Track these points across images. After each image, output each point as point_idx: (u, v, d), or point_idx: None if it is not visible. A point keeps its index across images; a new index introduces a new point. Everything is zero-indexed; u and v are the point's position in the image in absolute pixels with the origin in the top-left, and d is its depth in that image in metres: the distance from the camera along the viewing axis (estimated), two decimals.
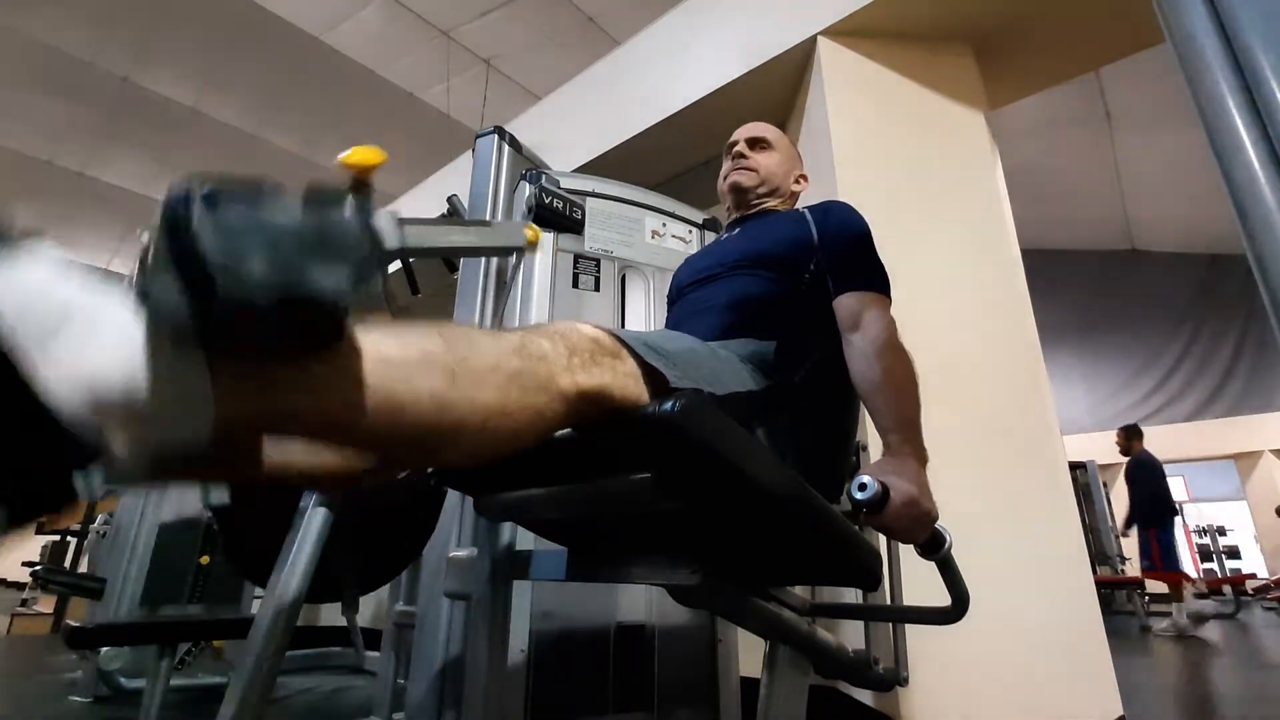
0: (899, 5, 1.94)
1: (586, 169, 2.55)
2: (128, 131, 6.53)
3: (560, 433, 0.64)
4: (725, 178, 1.27)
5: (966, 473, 1.58)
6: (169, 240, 0.38)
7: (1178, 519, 5.16)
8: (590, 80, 2.83)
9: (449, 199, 2.08)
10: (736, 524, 0.76)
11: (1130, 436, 5.15)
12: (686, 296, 1.18)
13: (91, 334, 0.36)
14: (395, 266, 2.55)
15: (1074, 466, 6.36)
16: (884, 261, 1.04)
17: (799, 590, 1.03)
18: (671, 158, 2.55)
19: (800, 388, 0.94)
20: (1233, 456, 8.33)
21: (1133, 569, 5.88)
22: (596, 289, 1.70)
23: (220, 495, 1.66)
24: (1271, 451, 7.93)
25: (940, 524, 0.80)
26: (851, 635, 1.10)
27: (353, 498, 1.30)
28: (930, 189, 1.94)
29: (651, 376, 0.68)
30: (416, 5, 5.23)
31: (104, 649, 2.15)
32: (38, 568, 3.38)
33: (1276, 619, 5.83)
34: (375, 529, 1.66)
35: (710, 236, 1.91)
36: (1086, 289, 8.11)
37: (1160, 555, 4.83)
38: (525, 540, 1.13)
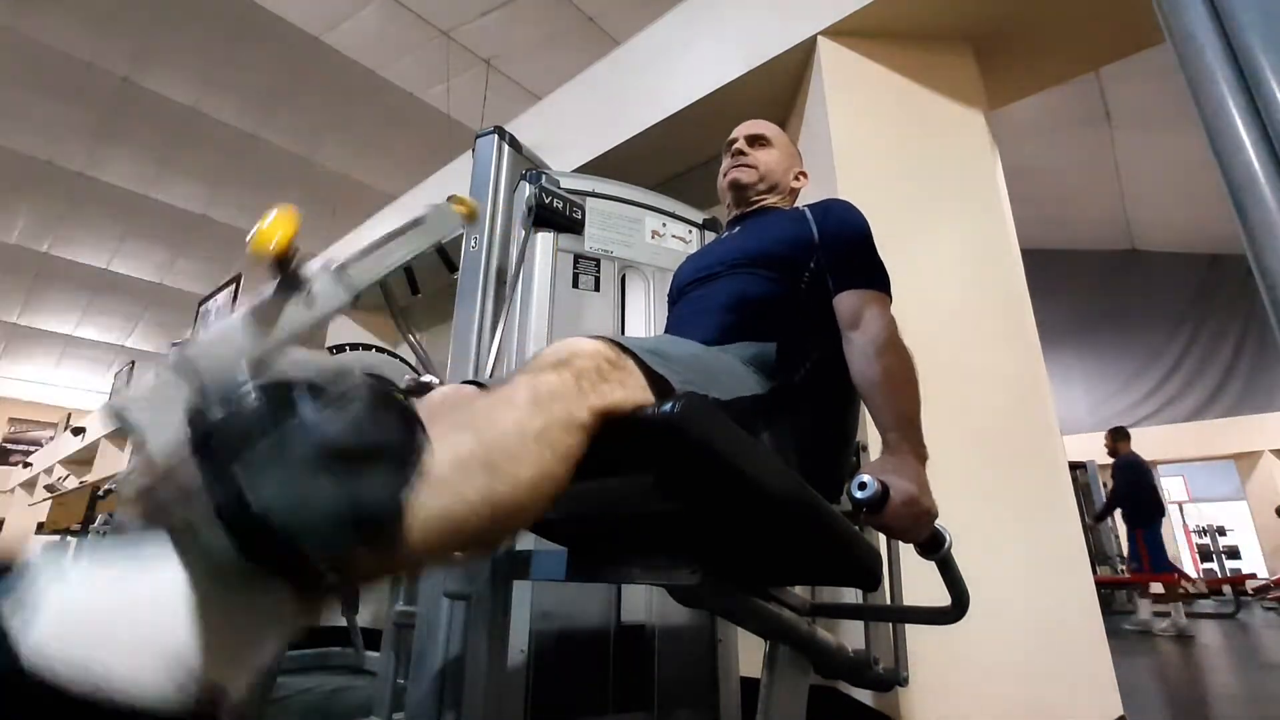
0: (899, 5, 1.94)
1: (586, 169, 2.55)
2: (128, 131, 6.54)
3: None
4: (725, 175, 1.28)
5: (966, 473, 1.58)
6: (214, 500, 0.36)
7: (1170, 519, 5.19)
8: (590, 80, 2.83)
9: (449, 199, 2.08)
10: (737, 524, 0.76)
11: (1117, 438, 5.27)
12: (687, 295, 1.18)
13: (151, 624, 0.35)
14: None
15: (1074, 466, 6.36)
16: (884, 261, 1.04)
17: (799, 590, 1.03)
18: (671, 158, 2.55)
19: (800, 387, 0.94)
20: (1233, 456, 8.33)
21: (1131, 568, 5.87)
22: (596, 289, 1.70)
23: None
24: (1271, 451, 7.93)
25: (940, 523, 0.80)
26: (851, 635, 1.10)
27: None
28: (930, 189, 1.94)
29: (657, 383, 0.68)
30: (416, 5, 5.23)
31: None
32: None
33: (1276, 619, 5.83)
34: None
35: (710, 236, 1.91)
36: (1086, 289, 8.10)
37: (1150, 556, 4.87)
38: (525, 540, 1.13)
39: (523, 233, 1.64)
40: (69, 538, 5.48)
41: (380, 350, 1.90)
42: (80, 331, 10.40)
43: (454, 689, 1.29)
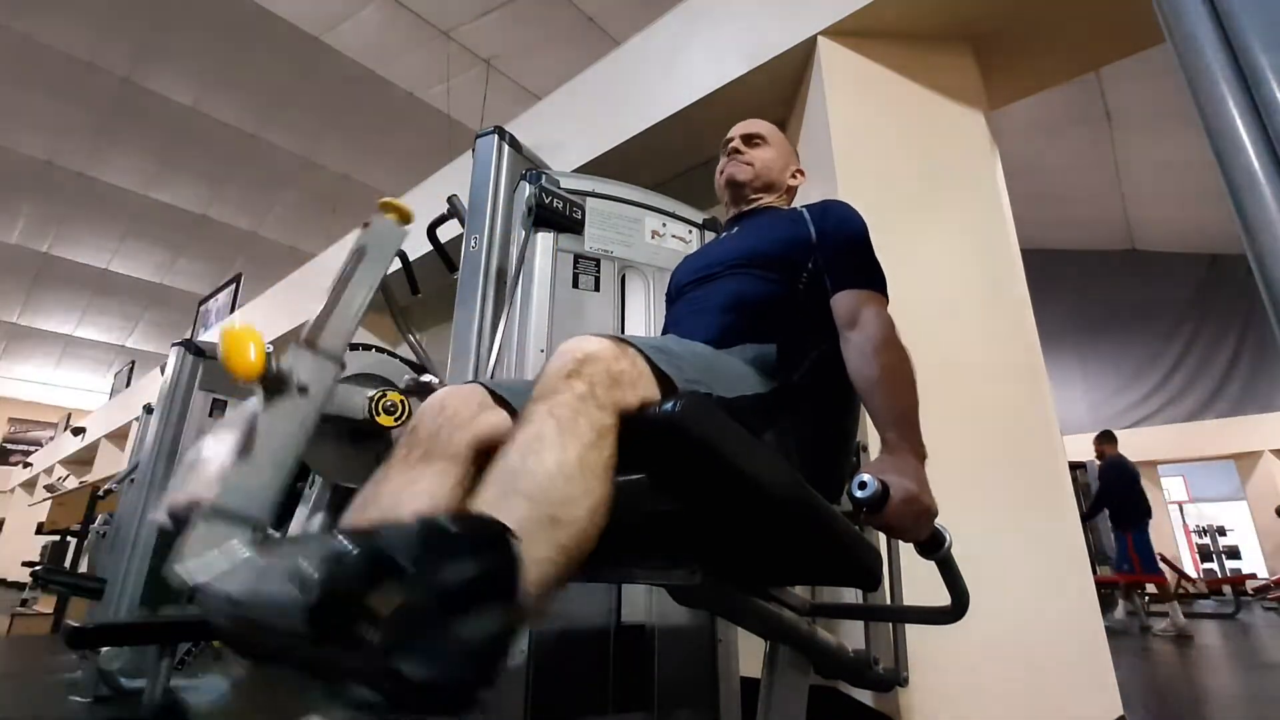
0: (899, 5, 1.94)
1: (586, 169, 2.55)
2: (128, 131, 6.54)
3: None
4: (721, 173, 1.29)
5: (966, 473, 1.58)
6: (356, 665, 0.38)
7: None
8: (590, 80, 2.83)
9: (449, 199, 2.08)
10: (737, 524, 0.76)
11: (1103, 442, 5.35)
12: (685, 296, 1.18)
13: None
14: (395, 267, 2.55)
15: (1074, 466, 6.37)
16: (884, 261, 1.04)
17: (799, 590, 1.03)
18: (671, 158, 2.55)
19: (800, 387, 0.94)
20: (1233, 456, 8.32)
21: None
22: (596, 289, 1.70)
23: None
24: (1271, 451, 7.92)
25: (940, 523, 0.80)
26: (851, 635, 1.10)
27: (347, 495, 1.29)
28: (930, 189, 1.94)
29: (663, 381, 0.69)
30: (416, 5, 5.23)
31: (104, 649, 2.15)
32: (38, 568, 3.38)
33: (1277, 619, 5.83)
34: None
35: (710, 236, 1.91)
36: (1086, 289, 8.10)
37: (1140, 558, 4.90)
38: None
39: (523, 233, 1.64)
40: (69, 538, 5.48)
41: (379, 350, 1.89)
42: (80, 331, 10.41)
43: None
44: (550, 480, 0.56)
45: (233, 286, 6.59)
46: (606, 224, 1.76)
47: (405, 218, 0.62)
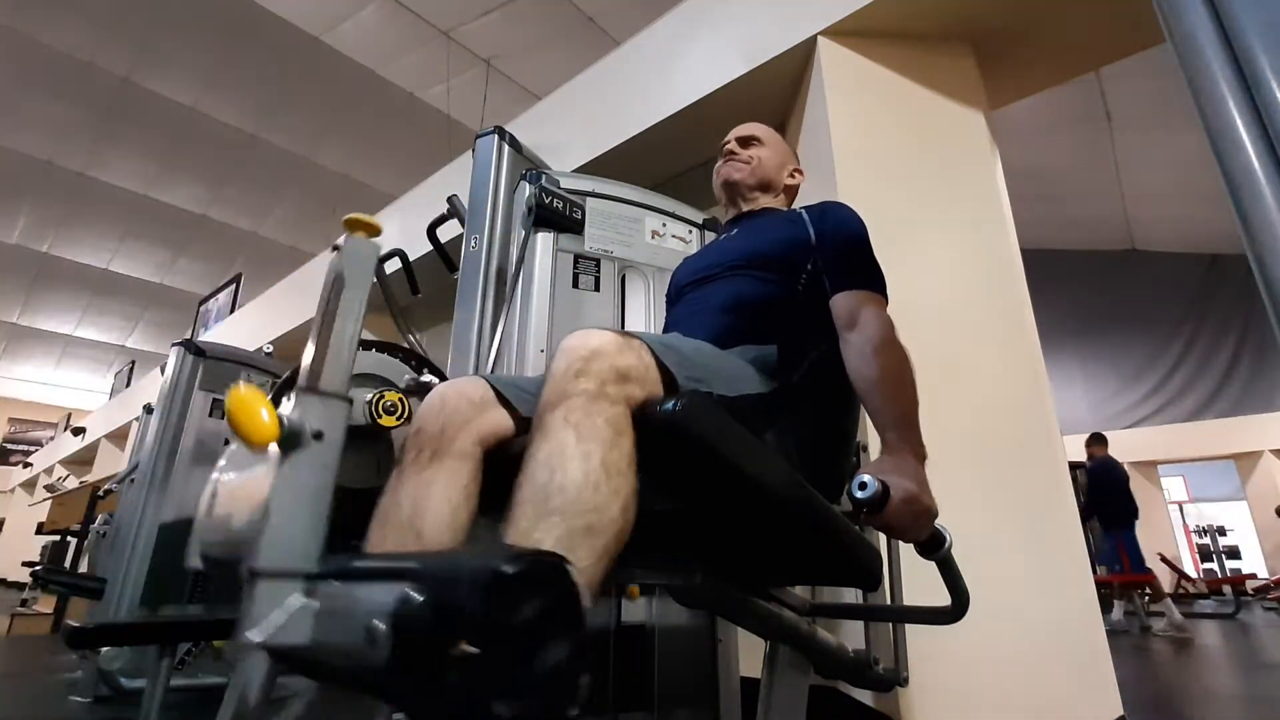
0: (899, 5, 1.94)
1: (586, 169, 2.55)
2: (128, 131, 6.54)
3: None
4: (718, 175, 1.30)
5: (966, 473, 1.58)
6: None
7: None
8: (590, 80, 2.83)
9: (449, 199, 2.08)
10: (737, 524, 0.76)
11: (1093, 443, 5.37)
12: (685, 297, 1.18)
13: None
14: (395, 266, 2.55)
15: (1074, 466, 6.36)
16: (883, 261, 1.04)
17: (799, 590, 1.03)
18: (671, 158, 2.55)
19: (799, 388, 0.94)
20: (1233, 456, 8.33)
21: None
22: (596, 289, 1.70)
23: None
24: (1271, 451, 7.92)
25: (940, 523, 0.80)
26: (851, 635, 1.10)
27: (349, 496, 1.30)
28: (930, 189, 1.94)
29: (666, 374, 0.70)
30: (416, 5, 5.23)
31: (104, 649, 2.15)
32: (38, 568, 3.38)
33: (1277, 619, 5.83)
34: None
35: (710, 237, 1.91)
36: (1086, 289, 8.10)
37: (1130, 559, 4.93)
38: None
39: (523, 233, 1.64)
40: (69, 538, 5.48)
41: (384, 346, 1.88)
42: (80, 331, 10.41)
43: None
44: (579, 492, 0.58)
45: (233, 286, 6.59)
46: (606, 224, 1.76)
47: (374, 230, 0.60)
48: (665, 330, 1.19)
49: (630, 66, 2.65)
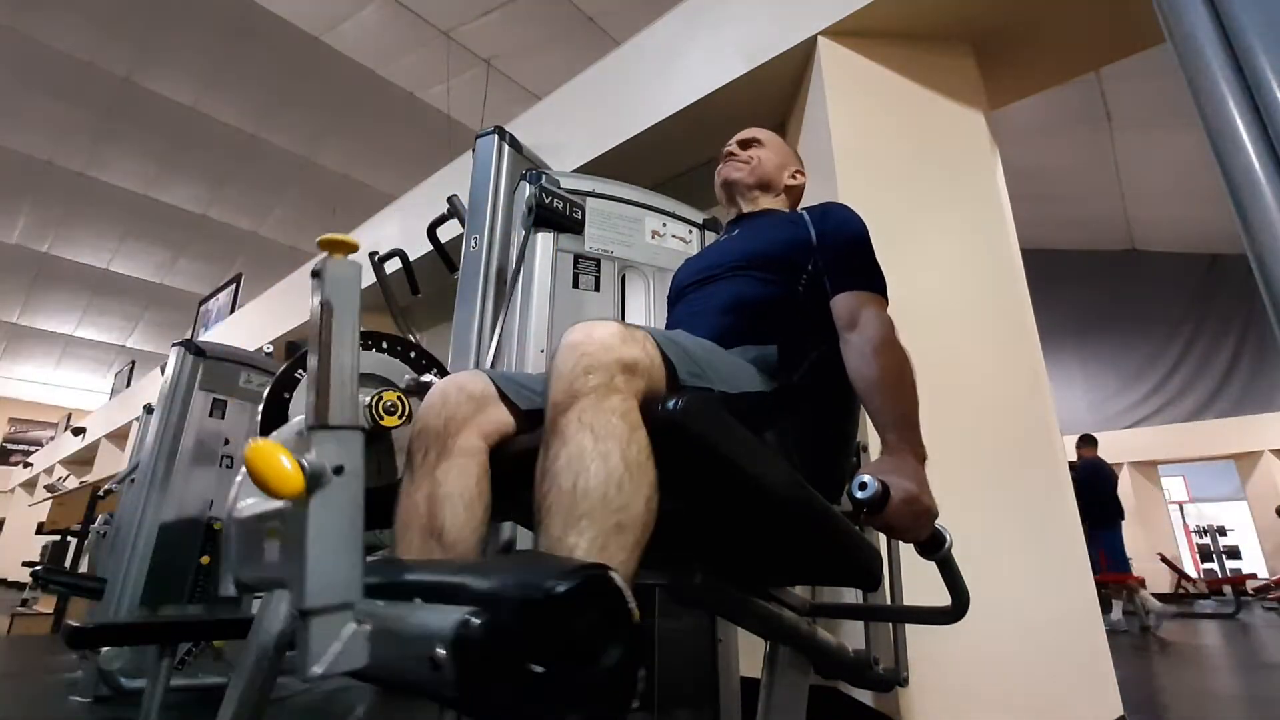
0: (899, 5, 1.94)
1: (586, 169, 2.55)
2: (128, 131, 6.54)
3: None
4: (719, 175, 1.31)
5: (966, 473, 1.58)
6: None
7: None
8: (590, 80, 2.83)
9: (449, 199, 2.08)
10: (737, 523, 0.76)
11: (1082, 444, 5.41)
12: (686, 298, 1.19)
13: None
14: (395, 266, 2.55)
15: (1074, 466, 6.36)
16: (883, 262, 1.04)
17: (799, 590, 1.03)
18: (671, 158, 2.55)
19: (799, 388, 0.94)
20: (1233, 456, 8.32)
21: (1132, 569, 5.89)
22: (596, 289, 1.70)
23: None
24: (1271, 451, 7.92)
25: (940, 523, 0.80)
26: (851, 635, 1.10)
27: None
28: (930, 189, 1.94)
29: (669, 367, 0.70)
30: (416, 5, 5.23)
31: (104, 649, 2.15)
32: (38, 568, 3.38)
33: (1277, 619, 5.83)
34: (373, 525, 1.66)
35: (710, 237, 1.91)
36: (1086, 289, 8.10)
37: (1107, 559, 4.97)
38: (525, 539, 1.13)
39: (523, 233, 1.64)
40: (69, 538, 5.48)
41: (390, 342, 1.88)
42: (80, 331, 10.41)
43: None
44: (603, 494, 0.59)
45: (233, 286, 6.60)
46: (606, 224, 1.76)
47: (351, 248, 0.59)
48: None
49: (630, 66, 2.65)
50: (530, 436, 0.78)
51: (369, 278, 2.21)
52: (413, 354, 1.19)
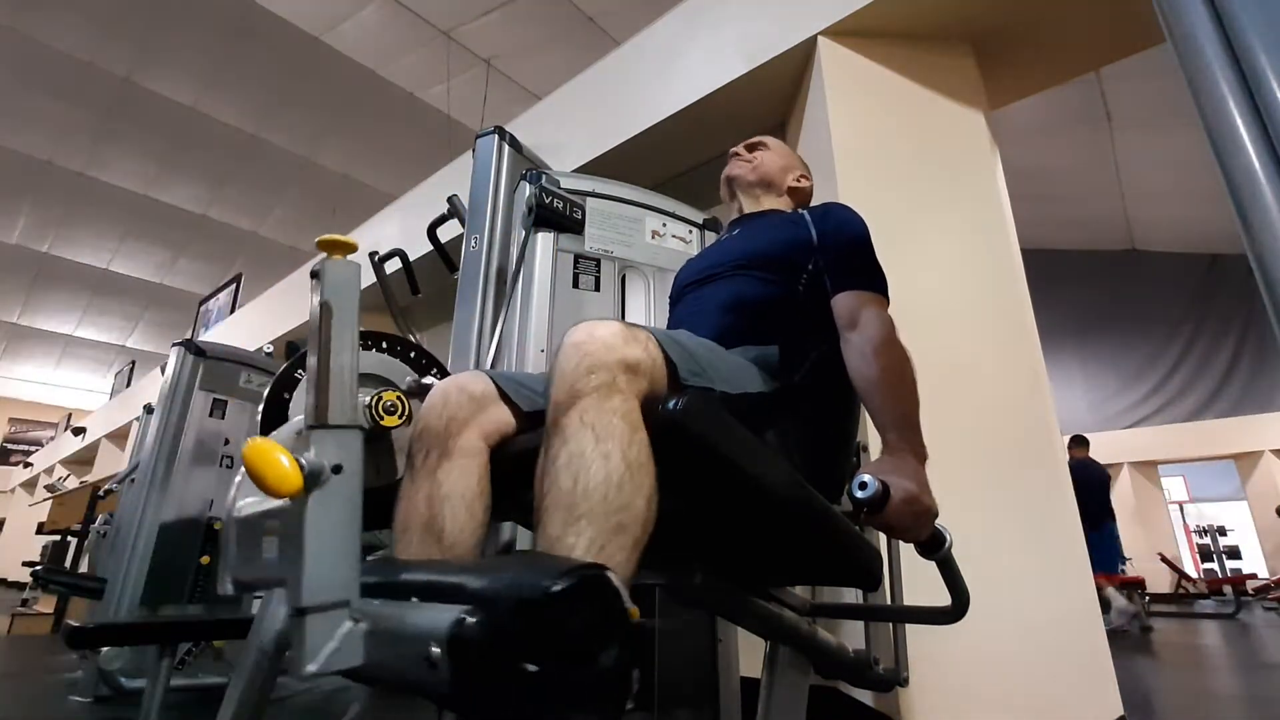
0: (899, 5, 1.94)
1: (586, 169, 2.55)
2: (128, 131, 6.54)
3: None
4: (723, 174, 1.32)
5: (966, 473, 1.58)
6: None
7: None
8: (590, 80, 2.83)
9: (449, 199, 2.08)
10: (737, 523, 0.76)
11: (1073, 445, 5.40)
12: (687, 296, 1.19)
13: None
14: (395, 266, 2.55)
15: None
16: (884, 262, 1.04)
17: (799, 590, 1.03)
18: (671, 158, 2.55)
19: (800, 388, 0.94)
20: (1233, 456, 8.32)
21: (1132, 569, 5.89)
22: (596, 289, 1.70)
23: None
24: (1271, 451, 7.92)
25: (940, 523, 0.80)
26: (851, 635, 1.10)
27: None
28: (930, 189, 1.94)
29: (670, 369, 0.70)
30: (416, 5, 5.23)
31: (104, 649, 2.15)
32: (38, 568, 3.38)
33: (1277, 619, 5.83)
34: (372, 525, 1.66)
35: (711, 237, 1.91)
36: (1086, 289, 8.10)
37: (1096, 557, 5.00)
38: (525, 539, 1.12)
39: (523, 233, 1.64)
40: (69, 538, 5.48)
41: (390, 342, 1.87)
42: (80, 331, 10.40)
43: None
44: (604, 494, 0.58)
45: (233, 286, 6.60)
46: (607, 224, 1.76)
47: (350, 248, 0.58)
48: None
49: (630, 66, 2.65)
50: (531, 436, 0.78)
51: (369, 278, 2.21)
52: (413, 354, 1.19)
